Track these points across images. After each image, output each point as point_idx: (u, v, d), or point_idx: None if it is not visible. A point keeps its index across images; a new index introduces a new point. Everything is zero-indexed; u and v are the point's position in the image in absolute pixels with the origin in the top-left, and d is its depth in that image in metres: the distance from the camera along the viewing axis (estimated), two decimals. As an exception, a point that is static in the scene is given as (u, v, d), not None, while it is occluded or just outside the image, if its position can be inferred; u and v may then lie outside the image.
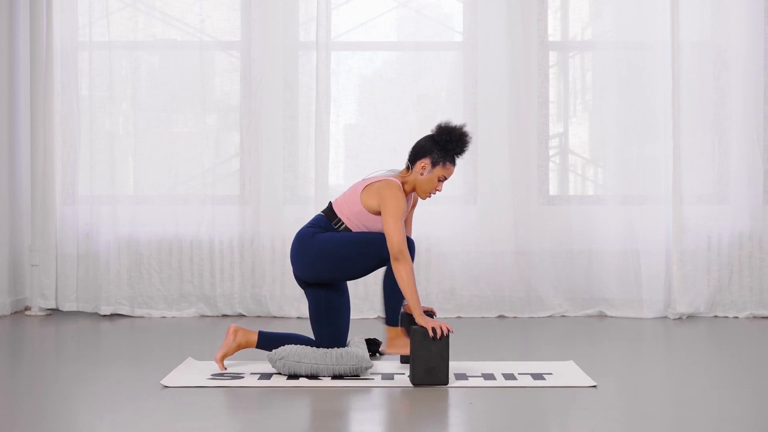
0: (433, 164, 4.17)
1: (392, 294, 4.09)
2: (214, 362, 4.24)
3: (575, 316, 6.15)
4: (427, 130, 6.35)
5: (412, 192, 4.25)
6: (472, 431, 3.25)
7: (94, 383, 4.01)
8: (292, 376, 4.02)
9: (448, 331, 3.91)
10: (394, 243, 3.99)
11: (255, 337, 4.19)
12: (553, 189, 6.36)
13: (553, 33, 6.34)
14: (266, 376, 4.04)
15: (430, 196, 4.24)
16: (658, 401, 3.68)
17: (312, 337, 4.26)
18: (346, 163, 6.35)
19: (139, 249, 6.22)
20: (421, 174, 4.18)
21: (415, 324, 3.96)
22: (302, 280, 4.23)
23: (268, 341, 4.19)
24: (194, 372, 4.12)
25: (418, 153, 4.20)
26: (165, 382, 3.92)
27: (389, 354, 4.21)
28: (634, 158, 6.23)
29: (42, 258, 6.21)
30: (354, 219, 4.15)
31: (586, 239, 6.22)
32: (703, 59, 6.18)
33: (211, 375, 4.06)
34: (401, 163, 6.29)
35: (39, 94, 6.19)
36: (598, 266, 6.19)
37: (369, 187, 4.15)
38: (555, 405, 3.65)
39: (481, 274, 6.15)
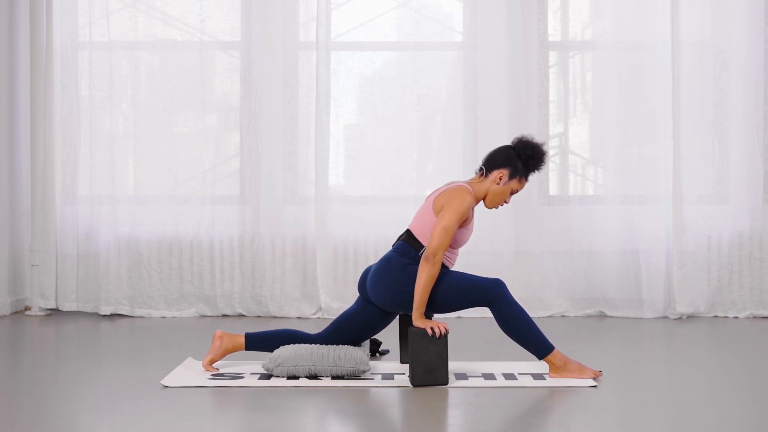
0: (511, 176, 4.09)
1: (517, 333, 3.99)
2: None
3: (575, 316, 6.15)
4: (428, 130, 6.46)
5: (481, 200, 4.14)
6: (472, 431, 3.25)
7: (94, 383, 4.01)
8: (292, 377, 4.02)
9: (446, 330, 3.91)
10: (433, 245, 3.93)
11: (242, 340, 4.18)
12: (553, 189, 6.36)
13: (553, 33, 6.34)
14: (266, 376, 4.04)
15: (497, 208, 4.15)
16: (658, 401, 3.68)
17: (300, 329, 4.27)
18: (346, 163, 6.35)
19: (139, 249, 6.22)
20: (498, 183, 4.09)
21: (413, 325, 3.97)
22: (372, 302, 4.18)
23: (257, 342, 4.19)
24: (194, 372, 4.12)
25: (497, 162, 4.10)
26: (165, 382, 3.92)
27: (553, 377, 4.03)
28: (634, 158, 6.23)
29: (42, 258, 6.21)
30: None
31: (586, 239, 6.22)
32: (703, 59, 6.18)
33: (211, 375, 4.06)
34: (403, 162, 6.27)
35: (39, 94, 6.19)
36: (598, 266, 6.19)
37: (441, 195, 4.06)
38: (555, 405, 3.65)
39: (480, 274, 6.12)
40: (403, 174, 6.36)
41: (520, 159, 4.10)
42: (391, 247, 4.22)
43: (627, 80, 6.21)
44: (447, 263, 4.10)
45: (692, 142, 6.15)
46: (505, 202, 4.13)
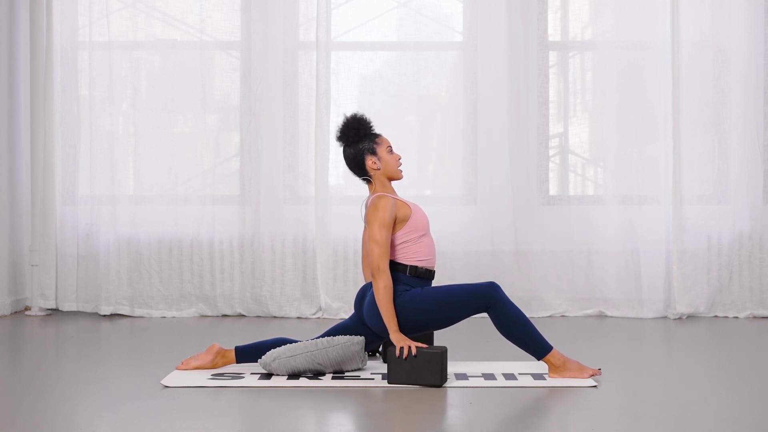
0: (373, 152, 4.18)
1: (515, 334, 3.99)
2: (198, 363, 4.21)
3: (575, 316, 6.15)
4: (428, 129, 6.46)
5: (391, 184, 4.24)
6: (472, 431, 3.25)
7: (94, 383, 4.01)
8: (292, 376, 4.02)
9: (414, 354, 3.86)
10: (374, 260, 3.99)
11: (232, 354, 4.19)
12: (553, 189, 6.36)
13: (553, 33, 6.34)
14: (266, 376, 4.04)
15: (400, 166, 4.23)
16: (658, 401, 3.68)
17: (293, 337, 4.27)
18: (346, 163, 6.35)
19: (139, 249, 6.22)
20: (379, 168, 4.18)
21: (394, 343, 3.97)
22: (369, 327, 4.19)
23: (247, 354, 4.19)
24: (194, 372, 4.12)
25: (359, 163, 4.19)
26: (165, 382, 3.92)
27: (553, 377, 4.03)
28: (634, 158, 6.24)
29: (42, 258, 6.21)
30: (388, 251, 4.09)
31: (586, 239, 6.22)
32: (703, 59, 6.18)
33: (211, 375, 4.06)
34: (403, 162, 6.29)
35: (39, 94, 6.19)
36: (598, 266, 6.19)
37: (366, 218, 4.13)
38: (555, 405, 3.65)
39: (481, 273, 6.14)
40: (403, 174, 6.34)
41: (358, 141, 4.19)
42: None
43: (627, 80, 6.21)
44: (423, 255, 4.11)
45: (692, 142, 6.16)
46: (398, 161, 4.23)
